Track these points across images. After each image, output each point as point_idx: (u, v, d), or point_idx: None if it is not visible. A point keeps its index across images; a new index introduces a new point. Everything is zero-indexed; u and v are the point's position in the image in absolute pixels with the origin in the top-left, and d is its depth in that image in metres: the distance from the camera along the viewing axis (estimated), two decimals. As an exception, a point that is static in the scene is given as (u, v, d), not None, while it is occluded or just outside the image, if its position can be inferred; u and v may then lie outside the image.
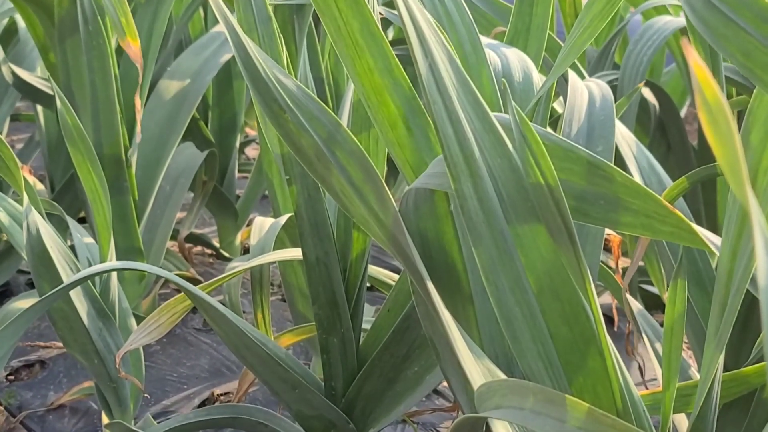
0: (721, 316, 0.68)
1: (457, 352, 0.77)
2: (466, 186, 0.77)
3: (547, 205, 0.74)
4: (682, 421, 1.07)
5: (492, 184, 0.77)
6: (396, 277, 1.26)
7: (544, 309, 0.78)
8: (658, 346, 1.20)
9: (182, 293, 1.08)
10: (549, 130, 0.85)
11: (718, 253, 0.75)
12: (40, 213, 1.17)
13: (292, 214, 1.31)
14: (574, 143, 0.80)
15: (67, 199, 1.74)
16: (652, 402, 0.85)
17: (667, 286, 1.37)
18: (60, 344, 1.60)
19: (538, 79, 1.05)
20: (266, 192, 2.02)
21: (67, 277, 1.15)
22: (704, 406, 0.72)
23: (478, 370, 0.79)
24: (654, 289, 1.69)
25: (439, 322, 0.78)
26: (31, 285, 1.81)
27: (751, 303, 1.07)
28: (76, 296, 1.19)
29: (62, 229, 1.64)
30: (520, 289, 0.78)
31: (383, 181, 0.81)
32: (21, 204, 1.26)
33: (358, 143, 0.82)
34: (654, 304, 1.62)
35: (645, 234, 0.77)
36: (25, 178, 1.18)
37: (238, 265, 1.25)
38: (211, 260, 1.96)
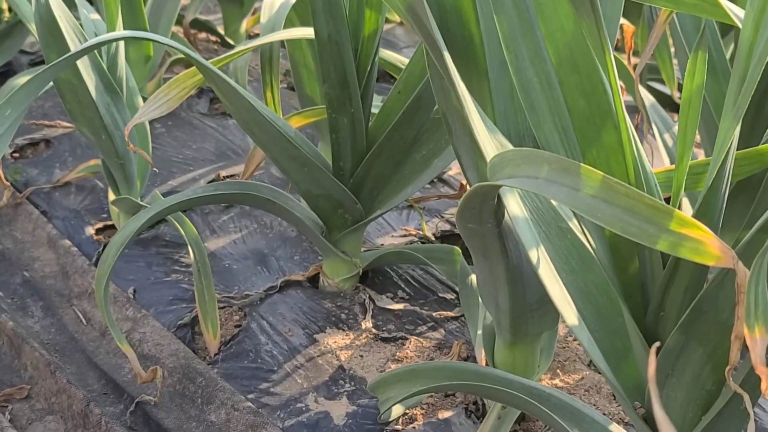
0: (740, 87, 0.68)
1: (471, 124, 0.76)
2: (490, -50, 0.75)
3: (571, -28, 0.73)
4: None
5: (516, -51, 0.76)
6: (406, 61, 1.25)
7: (562, 81, 0.78)
8: (668, 137, 1.20)
9: (192, 68, 1.08)
10: None
11: (740, 26, 0.74)
12: (47, -18, 1.15)
13: (303, -7, 1.29)
14: None
15: (70, -20, 1.71)
16: (665, 180, 0.85)
17: (679, 88, 1.36)
18: (65, 123, 1.60)
19: None
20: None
21: (75, 48, 1.14)
22: (716, 180, 0.72)
23: (491, 144, 0.79)
24: (664, 88, 1.68)
25: (455, 94, 0.78)
26: (33, 65, 1.80)
27: (766, 88, 1.06)
28: (85, 69, 1.18)
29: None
30: (540, 60, 0.77)
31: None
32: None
33: None
34: (663, 103, 1.61)
35: (666, 5, 0.75)
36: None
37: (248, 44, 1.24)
38: (216, 47, 1.94)
